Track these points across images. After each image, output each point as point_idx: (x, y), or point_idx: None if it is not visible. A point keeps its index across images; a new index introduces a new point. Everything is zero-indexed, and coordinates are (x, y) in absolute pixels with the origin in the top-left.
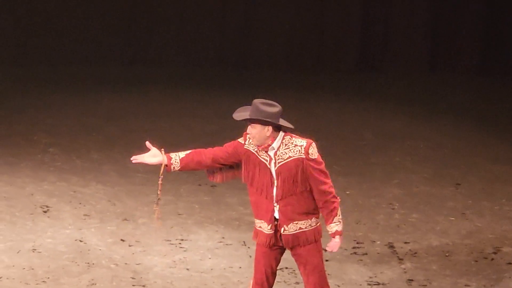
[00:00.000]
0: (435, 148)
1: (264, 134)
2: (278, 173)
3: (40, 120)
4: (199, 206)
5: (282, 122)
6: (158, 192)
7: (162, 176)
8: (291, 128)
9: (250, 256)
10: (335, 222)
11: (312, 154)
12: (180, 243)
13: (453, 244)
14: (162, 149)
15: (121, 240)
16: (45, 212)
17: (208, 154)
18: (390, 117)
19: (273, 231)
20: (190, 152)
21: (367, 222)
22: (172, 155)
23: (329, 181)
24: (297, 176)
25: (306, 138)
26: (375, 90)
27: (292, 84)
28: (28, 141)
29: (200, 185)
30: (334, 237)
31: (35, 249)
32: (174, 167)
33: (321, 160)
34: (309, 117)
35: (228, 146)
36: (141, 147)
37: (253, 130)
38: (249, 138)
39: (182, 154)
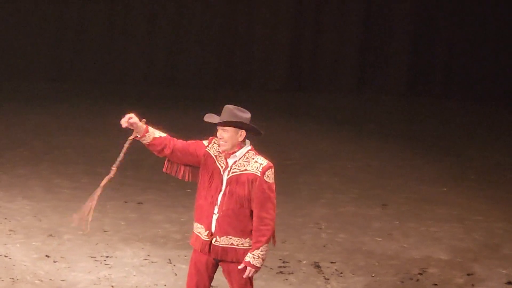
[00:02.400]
0: (362, 168)
1: (236, 139)
2: (228, 182)
3: None
4: (125, 223)
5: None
6: (121, 155)
7: (131, 140)
8: (256, 141)
9: (176, 274)
10: (253, 254)
11: (268, 176)
12: (105, 260)
13: (379, 264)
14: (144, 119)
15: (46, 256)
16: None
17: (172, 144)
18: (318, 137)
19: (209, 240)
20: (165, 137)
21: (293, 241)
22: (150, 129)
23: (272, 213)
24: (245, 191)
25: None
26: (303, 109)
27: (220, 101)
28: None
29: (126, 202)
30: (245, 265)
31: None
32: (144, 140)
33: (274, 188)
34: None
35: (190, 144)
36: (67, 162)
37: (225, 134)
38: (214, 142)
39: (157, 134)
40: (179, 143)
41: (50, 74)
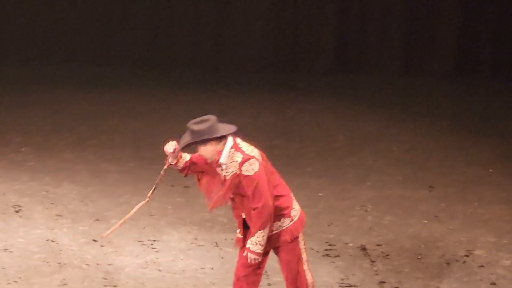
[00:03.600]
0: (409, 150)
1: (210, 151)
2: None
3: (12, 120)
4: (172, 207)
5: (222, 130)
6: (157, 183)
7: (166, 169)
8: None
9: (222, 258)
10: (251, 241)
11: (246, 170)
12: (152, 244)
13: (425, 246)
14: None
15: (93, 240)
16: (17, 211)
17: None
18: (364, 119)
19: (242, 236)
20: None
21: (339, 224)
22: (183, 154)
23: (261, 201)
24: (240, 191)
25: (255, 148)
26: (349, 92)
27: (266, 85)
28: (0, 141)
29: (173, 186)
30: (246, 251)
31: (7, 249)
32: (178, 165)
33: (256, 176)
34: (283, 119)
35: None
36: (113, 147)
37: (203, 152)
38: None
39: (188, 157)
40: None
41: (97, 59)
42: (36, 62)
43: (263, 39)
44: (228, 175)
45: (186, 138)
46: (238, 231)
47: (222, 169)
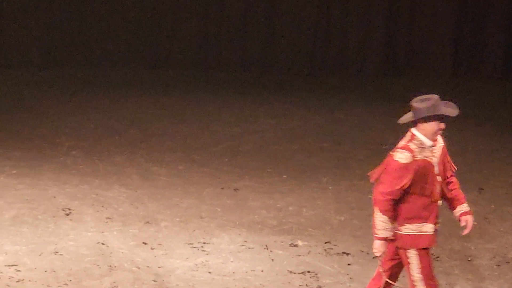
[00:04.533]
0: (458, 152)
1: (430, 129)
2: (439, 164)
3: (63, 123)
4: (221, 210)
5: (443, 109)
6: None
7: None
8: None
9: (273, 260)
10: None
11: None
12: (202, 246)
13: (476, 248)
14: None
15: (143, 243)
16: (67, 214)
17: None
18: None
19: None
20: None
21: None
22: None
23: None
24: (445, 161)
25: None
26: (398, 94)
27: (315, 87)
28: (51, 144)
29: (223, 188)
30: (468, 214)
31: (57, 252)
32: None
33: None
34: (332, 121)
35: (403, 180)
36: (163, 150)
37: (422, 131)
38: (414, 148)
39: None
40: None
41: (147, 63)
42: (88, 66)
43: (312, 42)
44: (438, 151)
45: (408, 115)
46: (431, 226)
47: (435, 150)
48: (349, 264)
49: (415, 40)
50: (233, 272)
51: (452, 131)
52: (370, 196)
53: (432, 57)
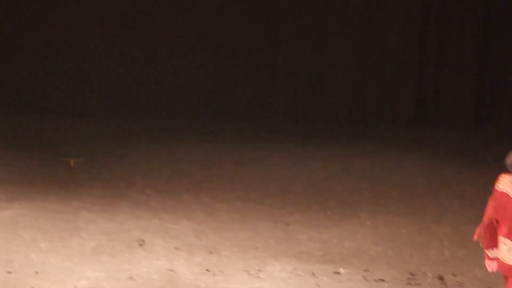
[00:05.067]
0: (481, 192)
1: None
2: None
3: (138, 166)
4: (274, 241)
5: None
6: None
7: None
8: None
9: (318, 286)
10: None
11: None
12: (257, 273)
13: (496, 276)
14: None
15: (207, 270)
16: (140, 245)
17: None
18: (441, 166)
19: None
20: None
21: (420, 256)
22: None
23: None
24: None
25: None
26: (427, 142)
27: (355, 135)
28: (127, 184)
29: (275, 223)
30: None
31: (132, 277)
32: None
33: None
34: (371, 165)
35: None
36: (224, 189)
37: None
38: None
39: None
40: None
41: (211, 113)
42: (161, 116)
43: (351, 93)
44: None
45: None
46: None
47: None
48: None
49: (441, 94)
50: None
51: (475, 175)
52: (403, 230)
53: (457, 109)
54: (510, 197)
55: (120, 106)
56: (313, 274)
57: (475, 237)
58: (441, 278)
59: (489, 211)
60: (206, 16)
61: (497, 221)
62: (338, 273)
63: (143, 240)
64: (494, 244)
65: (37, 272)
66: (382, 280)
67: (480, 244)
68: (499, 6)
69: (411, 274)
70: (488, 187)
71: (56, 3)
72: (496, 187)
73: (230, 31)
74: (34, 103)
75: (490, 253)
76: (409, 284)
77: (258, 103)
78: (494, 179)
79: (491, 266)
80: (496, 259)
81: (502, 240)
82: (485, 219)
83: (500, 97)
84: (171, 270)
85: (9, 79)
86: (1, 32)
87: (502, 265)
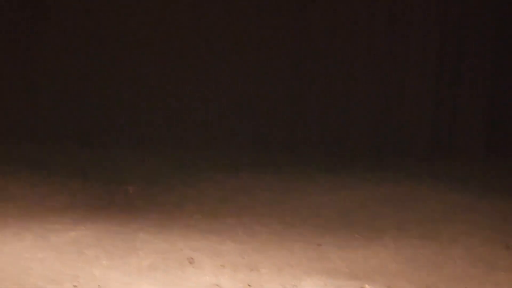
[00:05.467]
0: (491, 218)
1: None
2: None
3: (188, 194)
4: (307, 260)
5: None
6: None
7: None
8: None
9: None
10: None
11: None
12: None
13: None
14: None
15: (248, 285)
16: (190, 263)
17: None
18: (455, 194)
19: None
20: None
21: (436, 274)
22: None
23: None
24: None
25: None
26: (443, 171)
27: (378, 165)
28: (179, 209)
29: (309, 243)
30: None
31: None
32: None
33: None
34: (393, 192)
35: None
36: (264, 214)
37: None
38: None
39: None
40: None
41: (252, 145)
42: (211, 147)
43: (376, 125)
44: None
45: None
46: None
47: None
48: None
49: (456, 127)
50: None
51: (489, 204)
52: (421, 251)
53: (470, 140)
54: None
55: (173, 137)
56: None
57: None
58: None
59: None
60: (241, 61)
61: None
62: None
63: (192, 258)
64: None
65: (99, 286)
66: None
67: None
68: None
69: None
70: (497, 214)
71: (109, 38)
72: None
73: (266, 71)
74: (93, 137)
75: None
76: None
77: (292, 137)
78: (505, 206)
79: None
80: None
81: None
82: None
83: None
84: (217, 285)
85: (73, 116)
86: (59, 69)
87: None
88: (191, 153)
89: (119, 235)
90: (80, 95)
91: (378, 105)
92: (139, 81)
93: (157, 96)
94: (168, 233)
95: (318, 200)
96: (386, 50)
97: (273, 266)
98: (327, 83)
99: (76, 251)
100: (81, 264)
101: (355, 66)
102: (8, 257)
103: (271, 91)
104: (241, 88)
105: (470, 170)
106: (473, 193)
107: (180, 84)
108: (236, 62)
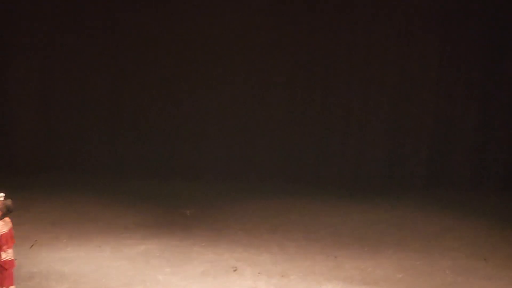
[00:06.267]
0: (475, 236)
1: None
2: None
3: (233, 214)
4: (326, 268)
5: None
6: None
7: None
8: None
9: None
10: None
11: None
12: None
13: None
14: None
15: None
16: (234, 271)
17: None
18: (444, 217)
19: None
20: None
21: (429, 281)
22: None
23: None
24: None
25: None
26: (436, 198)
27: (385, 193)
28: (225, 227)
29: (328, 256)
30: None
31: None
32: None
33: None
34: (395, 216)
35: None
36: (293, 232)
37: None
38: None
39: None
40: None
41: (283, 176)
42: (253, 178)
43: (384, 160)
44: None
45: None
46: None
47: None
48: None
49: (459, 158)
50: None
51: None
52: (417, 263)
53: (482, 172)
54: None
55: (220, 170)
56: None
57: None
58: None
59: None
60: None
61: None
62: None
63: (236, 267)
64: None
65: None
66: None
67: None
68: None
69: None
70: (479, 233)
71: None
72: None
73: (296, 122)
74: (159, 170)
75: None
76: None
77: (318, 171)
78: (485, 227)
79: None
80: None
81: None
82: None
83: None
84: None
85: (146, 152)
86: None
87: None
88: (235, 182)
89: (178, 248)
90: (151, 136)
91: (386, 142)
92: (200, 121)
93: (214, 135)
94: (216, 246)
95: (335, 221)
96: (396, 104)
97: (300, 273)
98: (344, 128)
99: (144, 261)
100: (148, 271)
101: (368, 111)
102: (91, 265)
103: (299, 136)
104: (275, 132)
105: (458, 198)
106: (459, 217)
107: (232, 126)
108: (274, 112)
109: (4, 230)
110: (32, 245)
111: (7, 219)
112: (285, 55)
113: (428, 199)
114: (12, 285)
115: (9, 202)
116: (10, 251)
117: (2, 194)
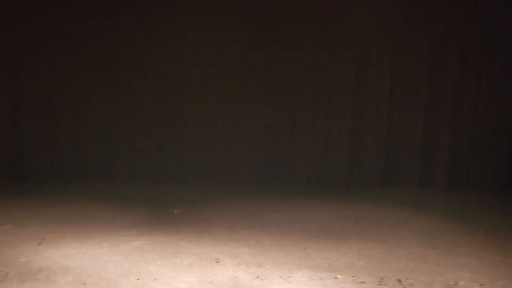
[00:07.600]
0: (426, 226)
1: None
2: None
3: (215, 214)
4: (298, 258)
5: None
6: None
7: None
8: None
9: (325, 286)
10: None
11: None
12: (287, 279)
13: (433, 277)
14: None
15: (257, 277)
16: (217, 262)
17: None
18: (402, 209)
19: None
20: None
21: (386, 267)
22: None
23: None
24: None
25: None
26: (393, 196)
27: (382, 196)
28: (209, 224)
29: (298, 247)
30: None
31: (212, 282)
32: None
33: None
34: (355, 211)
35: None
36: (268, 227)
37: None
38: None
39: None
40: None
41: (258, 179)
42: (236, 181)
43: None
44: None
45: None
46: None
47: None
48: None
49: (457, 157)
50: None
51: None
52: (376, 251)
53: (486, 172)
54: None
55: (204, 174)
56: (321, 278)
57: None
58: (399, 280)
59: None
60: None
61: None
62: (336, 278)
63: (218, 259)
64: None
65: (155, 279)
66: (363, 282)
67: None
68: None
69: (381, 278)
70: (429, 225)
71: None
72: None
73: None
74: (153, 176)
75: None
76: (380, 284)
77: (317, 175)
78: (435, 220)
79: None
80: None
81: None
82: None
83: None
84: (235, 277)
85: (142, 160)
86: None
87: None
88: (216, 185)
89: (167, 243)
90: (144, 146)
91: (384, 147)
92: (183, 129)
93: (196, 144)
94: (201, 241)
95: (304, 217)
96: (387, 129)
97: (274, 263)
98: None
99: (138, 255)
100: (142, 264)
101: (362, 128)
102: (91, 259)
103: (271, 143)
104: (250, 141)
105: (410, 196)
106: (411, 212)
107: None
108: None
109: None
110: (40, 243)
111: None
112: (257, 75)
113: (384, 196)
114: None
115: None
116: None
117: None
